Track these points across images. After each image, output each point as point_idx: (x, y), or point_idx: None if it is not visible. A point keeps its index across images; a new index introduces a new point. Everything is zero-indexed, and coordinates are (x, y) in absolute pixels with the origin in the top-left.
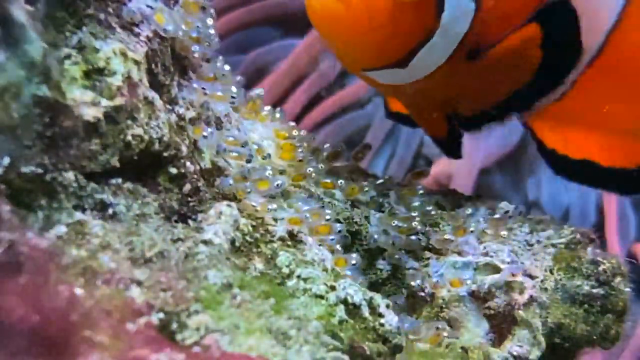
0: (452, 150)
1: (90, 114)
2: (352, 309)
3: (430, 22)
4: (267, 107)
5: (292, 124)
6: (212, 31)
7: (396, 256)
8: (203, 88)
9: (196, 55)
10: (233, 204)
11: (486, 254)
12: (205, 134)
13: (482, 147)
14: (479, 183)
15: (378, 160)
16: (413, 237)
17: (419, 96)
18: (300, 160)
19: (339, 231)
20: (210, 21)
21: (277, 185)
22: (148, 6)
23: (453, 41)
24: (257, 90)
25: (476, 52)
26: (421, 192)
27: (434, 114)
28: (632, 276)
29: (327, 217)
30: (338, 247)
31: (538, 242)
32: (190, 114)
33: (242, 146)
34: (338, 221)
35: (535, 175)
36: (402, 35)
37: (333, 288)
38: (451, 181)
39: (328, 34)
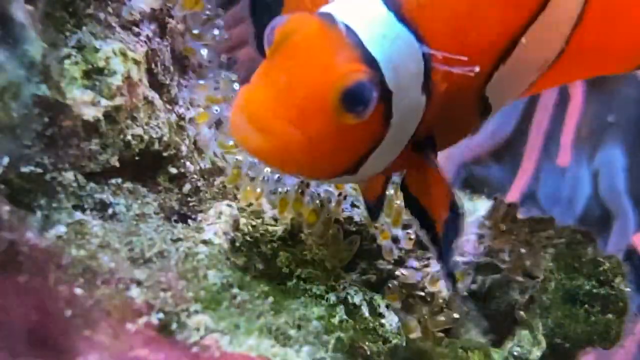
0: (375, 212)
1: (90, 113)
2: (352, 309)
3: (378, 131)
4: None
5: None
6: (215, 31)
7: (396, 256)
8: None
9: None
10: (233, 203)
11: (486, 254)
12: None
13: (466, 141)
14: (473, 175)
15: None
16: (413, 237)
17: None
18: None
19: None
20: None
21: (276, 183)
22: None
23: (404, 139)
24: None
25: (425, 140)
26: None
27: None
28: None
29: (327, 215)
30: None
31: (538, 242)
32: (190, 114)
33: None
34: (337, 220)
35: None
36: (351, 151)
37: (333, 288)
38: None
39: (272, 165)
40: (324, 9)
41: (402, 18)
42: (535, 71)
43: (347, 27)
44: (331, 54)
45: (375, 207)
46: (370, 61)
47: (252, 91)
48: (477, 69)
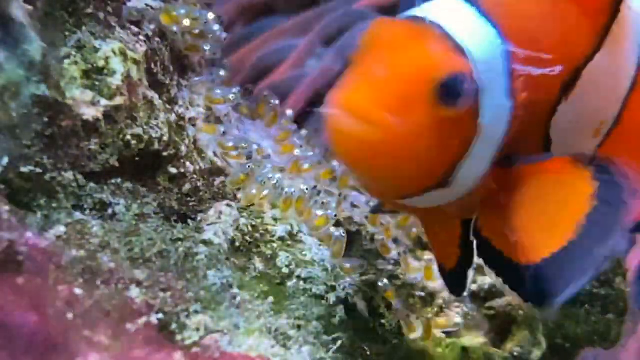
0: (456, 283)
1: (90, 113)
2: (352, 309)
3: (469, 131)
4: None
5: (293, 125)
6: (215, 27)
7: (396, 256)
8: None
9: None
10: (233, 203)
11: None
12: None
13: None
14: None
15: None
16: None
17: (455, 212)
18: (300, 159)
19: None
20: (211, 16)
21: (277, 183)
22: (148, 5)
23: (494, 146)
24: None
25: (509, 157)
26: None
27: (452, 238)
28: None
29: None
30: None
31: None
32: (190, 113)
33: (242, 146)
34: (338, 222)
35: None
36: (444, 151)
37: (333, 288)
38: None
39: (363, 166)
40: (406, 13)
41: (484, 14)
42: (594, 125)
43: (435, 23)
44: (424, 46)
45: (453, 275)
46: (462, 53)
47: (347, 89)
48: (559, 68)
